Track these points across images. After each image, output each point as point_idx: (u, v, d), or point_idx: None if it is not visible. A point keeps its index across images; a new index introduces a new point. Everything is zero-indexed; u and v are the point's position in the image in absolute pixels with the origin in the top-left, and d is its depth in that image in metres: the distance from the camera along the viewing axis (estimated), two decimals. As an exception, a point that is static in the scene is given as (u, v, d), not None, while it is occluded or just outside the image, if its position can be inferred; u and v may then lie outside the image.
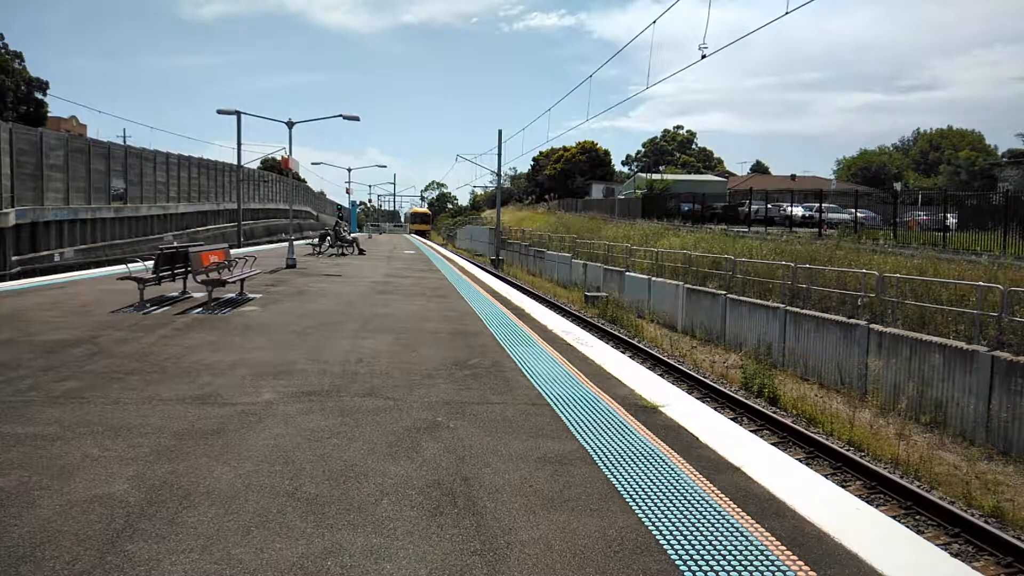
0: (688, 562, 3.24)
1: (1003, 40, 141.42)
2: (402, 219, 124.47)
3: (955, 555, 7.34)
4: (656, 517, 3.72)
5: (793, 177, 66.35)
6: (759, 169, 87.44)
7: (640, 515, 3.74)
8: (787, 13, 13.74)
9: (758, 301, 18.08)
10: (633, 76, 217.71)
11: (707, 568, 3.19)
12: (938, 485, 9.50)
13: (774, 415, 12.09)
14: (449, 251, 42.48)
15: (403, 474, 4.23)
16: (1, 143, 21.14)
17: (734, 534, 3.56)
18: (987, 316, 12.56)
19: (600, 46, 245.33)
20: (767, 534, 3.56)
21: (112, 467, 4.20)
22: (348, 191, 55.75)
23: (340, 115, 23.87)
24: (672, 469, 4.48)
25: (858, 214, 27.40)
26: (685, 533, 3.55)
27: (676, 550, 3.36)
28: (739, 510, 3.85)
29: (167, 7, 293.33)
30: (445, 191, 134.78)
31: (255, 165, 58.12)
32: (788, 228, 28.65)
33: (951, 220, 22.12)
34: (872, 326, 13.99)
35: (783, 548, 3.41)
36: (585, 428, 5.30)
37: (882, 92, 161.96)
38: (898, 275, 15.51)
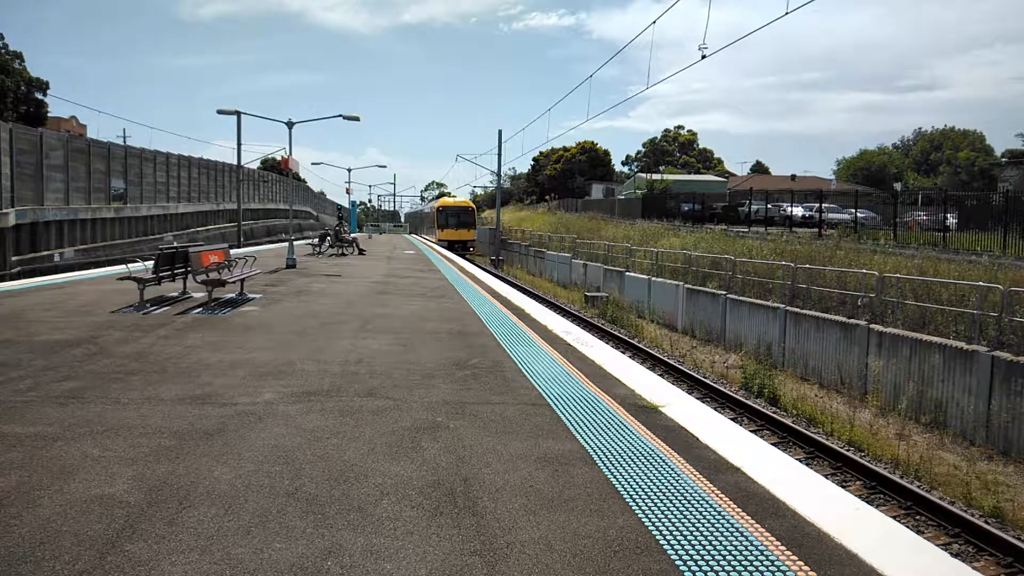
0: (688, 562, 3.24)
1: (1003, 40, 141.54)
2: (402, 219, 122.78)
3: (955, 555, 7.33)
4: (656, 517, 3.72)
5: (793, 177, 66.32)
6: (759, 169, 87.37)
7: (640, 515, 3.74)
8: (787, 13, 13.76)
9: (758, 301, 18.08)
10: (633, 76, 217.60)
11: (707, 568, 3.19)
12: (938, 485, 9.51)
13: (774, 415, 12.09)
14: (448, 251, 42.42)
15: (403, 474, 4.23)
16: (1, 143, 21.13)
17: (734, 534, 3.56)
18: (987, 316, 12.57)
19: (600, 46, 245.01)
20: (767, 534, 3.56)
21: (112, 467, 4.20)
22: (348, 191, 55.49)
23: (340, 115, 23.86)
24: (672, 469, 4.48)
25: (858, 214, 27.43)
26: (685, 533, 3.55)
27: (676, 550, 3.36)
28: (739, 510, 3.85)
29: (167, 7, 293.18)
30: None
31: (255, 165, 58.09)
32: (788, 228, 28.64)
33: (951, 220, 22.15)
34: (872, 326, 13.99)
35: (783, 548, 3.41)
36: (585, 428, 5.30)
37: (882, 92, 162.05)
38: (898, 275, 15.52)
